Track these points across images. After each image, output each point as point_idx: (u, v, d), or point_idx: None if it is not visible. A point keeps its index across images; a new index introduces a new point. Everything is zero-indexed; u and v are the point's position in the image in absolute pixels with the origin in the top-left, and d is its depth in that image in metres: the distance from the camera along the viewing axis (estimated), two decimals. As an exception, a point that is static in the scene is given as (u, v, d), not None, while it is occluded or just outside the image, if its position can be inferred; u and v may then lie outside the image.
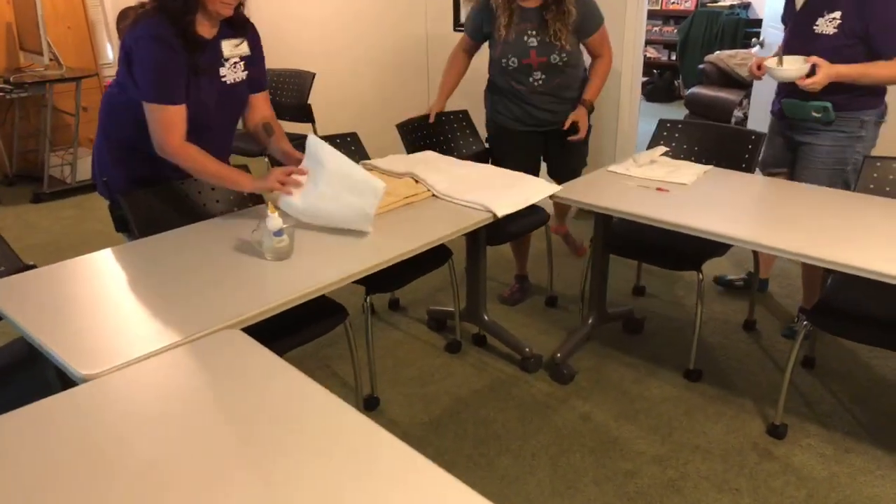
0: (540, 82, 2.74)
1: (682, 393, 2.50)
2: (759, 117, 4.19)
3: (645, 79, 7.47)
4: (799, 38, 2.42)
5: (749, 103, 4.61)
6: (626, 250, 2.67)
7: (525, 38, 2.67)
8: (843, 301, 2.19)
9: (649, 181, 2.40)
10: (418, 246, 1.95)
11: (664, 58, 7.60)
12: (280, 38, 5.65)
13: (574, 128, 2.78)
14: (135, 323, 1.51)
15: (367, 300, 2.35)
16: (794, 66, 2.32)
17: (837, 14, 2.30)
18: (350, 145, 2.73)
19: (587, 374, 2.63)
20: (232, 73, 2.13)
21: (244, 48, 2.14)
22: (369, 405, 2.45)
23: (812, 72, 2.27)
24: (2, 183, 5.01)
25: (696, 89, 5.62)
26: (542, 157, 3.00)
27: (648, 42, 7.57)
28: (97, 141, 2.19)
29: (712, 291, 3.23)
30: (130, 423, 1.18)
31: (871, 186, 2.32)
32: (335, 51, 5.30)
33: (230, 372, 1.33)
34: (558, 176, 2.87)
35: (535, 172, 2.87)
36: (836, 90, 2.30)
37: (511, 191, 2.28)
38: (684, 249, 2.52)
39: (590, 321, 2.73)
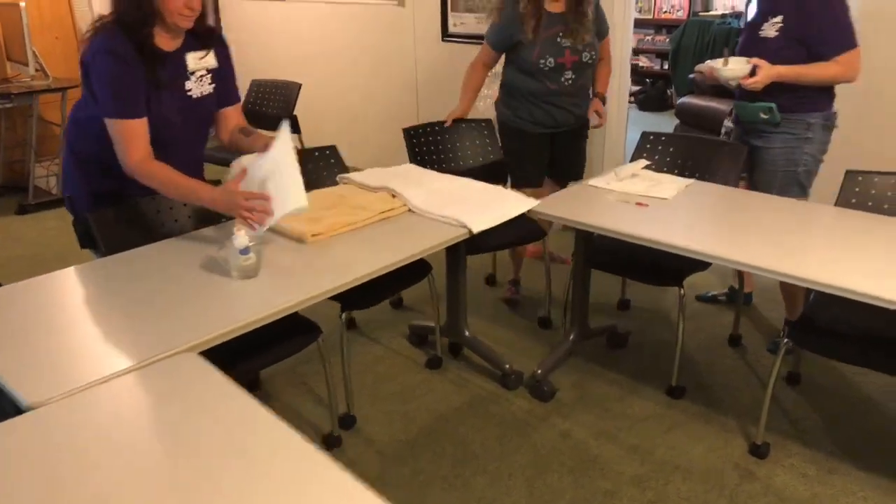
0: (570, 81, 2.88)
1: (664, 411, 2.46)
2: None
3: (637, 88, 7.48)
4: (749, 42, 2.55)
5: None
6: (608, 265, 2.63)
7: (558, 39, 2.82)
8: (825, 317, 2.15)
9: (629, 195, 2.37)
10: (391, 263, 1.91)
11: (657, 67, 7.59)
12: (266, 49, 5.64)
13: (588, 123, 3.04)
14: (90, 346, 1.48)
15: (342, 317, 2.31)
16: (737, 67, 2.44)
17: (780, 18, 2.41)
18: (329, 158, 2.69)
19: (569, 390, 2.58)
20: (198, 87, 2.09)
21: (210, 60, 2.10)
22: (345, 423, 2.41)
23: (754, 73, 2.39)
24: None
25: (686, 99, 5.58)
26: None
27: (641, 51, 7.56)
28: (64, 156, 2.15)
29: (698, 306, 3.19)
30: (69, 455, 1.14)
31: (853, 201, 2.29)
32: (322, 61, 5.28)
33: (180, 399, 1.29)
34: (567, 178, 3.09)
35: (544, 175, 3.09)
36: (780, 92, 2.41)
37: (489, 206, 2.25)
38: (666, 264, 2.47)
39: (571, 337, 2.69)
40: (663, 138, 2.81)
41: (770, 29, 2.44)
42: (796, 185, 2.53)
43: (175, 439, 1.18)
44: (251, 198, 1.86)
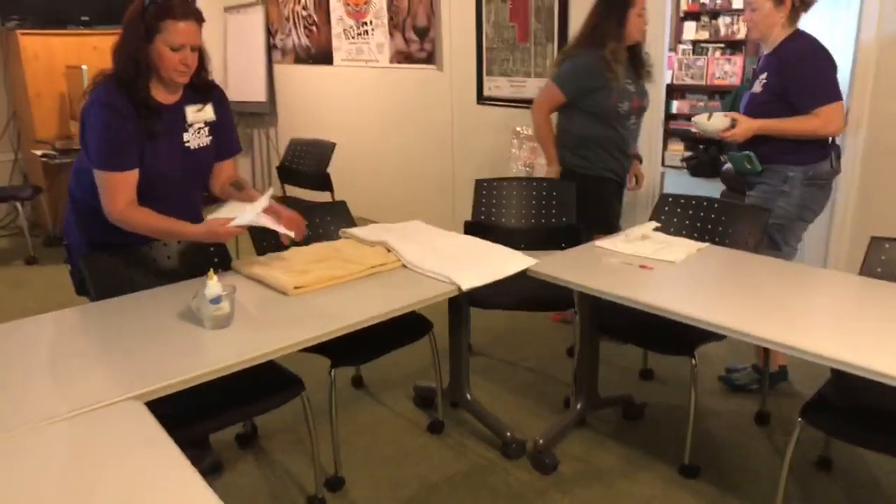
0: (633, 126, 3.01)
1: (673, 491, 2.27)
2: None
3: (689, 153, 7.31)
4: (746, 99, 2.66)
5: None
6: (616, 330, 2.50)
7: (627, 84, 2.93)
8: (845, 396, 1.96)
9: (634, 258, 2.26)
10: (370, 317, 1.86)
11: (710, 132, 7.42)
12: (309, 110, 5.83)
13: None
14: (35, 391, 1.46)
15: (331, 373, 2.25)
16: (717, 121, 2.58)
17: (764, 75, 2.54)
18: (337, 212, 2.69)
19: (573, 463, 2.42)
20: (195, 139, 2.14)
21: (208, 113, 2.15)
22: (333, 486, 2.31)
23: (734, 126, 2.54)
24: (44, 243, 5.22)
25: (729, 165, 5.44)
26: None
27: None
28: (67, 205, 2.22)
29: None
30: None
31: (879, 270, 2.11)
32: (362, 121, 5.41)
33: (101, 450, 1.25)
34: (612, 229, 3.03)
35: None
36: (762, 142, 2.52)
37: (483, 263, 2.18)
38: (676, 332, 2.32)
39: (578, 406, 2.54)
40: (682, 200, 2.70)
41: (757, 85, 2.56)
42: (766, 238, 2.52)
43: (76, 489, 1.14)
44: (226, 222, 1.96)
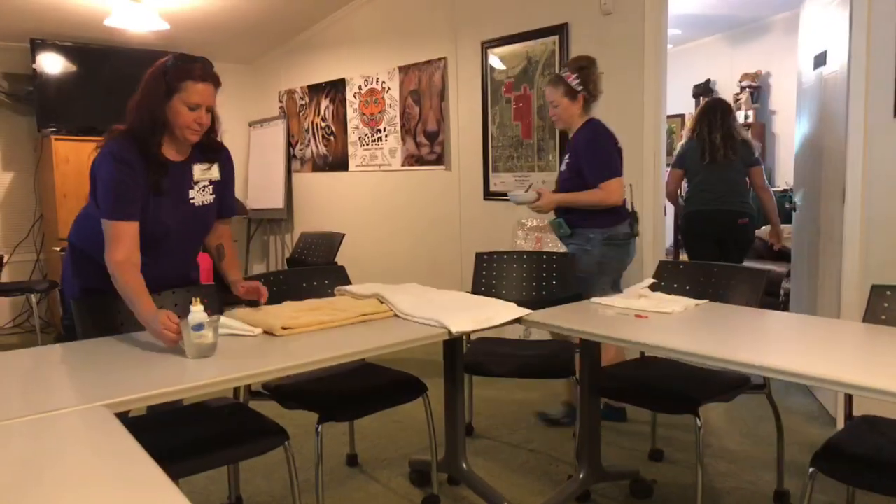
0: None
1: (684, 565, 2.08)
2: (799, 293, 3.94)
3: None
4: (559, 175, 3.19)
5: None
6: (617, 392, 2.41)
7: None
8: (860, 442, 1.83)
9: (630, 310, 2.22)
10: (348, 353, 1.82)
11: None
12: (323, 206, 6.02)
13: None
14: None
15: (319, 429, 2.16)
16: (527, 195, 3.05)
17: (568, 156, 3.07)
18: (335, 274, 2.70)
19: (575, 538, 2.25)
20: (200, 196, 2.19)
21: (214, 173, 2.22)
22: (316, 555, 2.16)
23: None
24: (55, 340, 5.25)
25: (746, 263, 5.42)
26: None
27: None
28: (65, 254, 2.26)
29: (747, 445, 2.81)
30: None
31: (883, 317, 2.04)
32: (372, 217, 5.55)
33: (70, 449, 1.21)
34: None
35: None
36: (569, 211, 3.02)
37: (475, 311, 2.15)
38: (679, 391, 2.24)
39: (581, 476, 2.40)
40: (681, 266, 2.68)
41: (563, 164, 3.11)
42: (583, 285, 2.92)
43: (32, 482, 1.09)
44: (168, 323, 1.79)
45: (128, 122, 2.08)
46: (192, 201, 2.18)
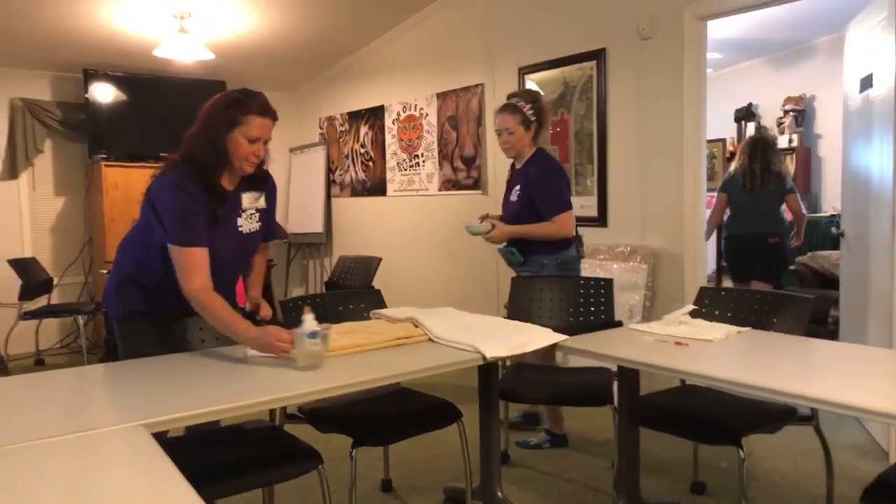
0: None
1: None
2: (848, 321, 3.82)
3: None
4: (505, 205, 3.25)
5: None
6: (656, 422, 2.34)
7: None
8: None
9: (669, 337, 2.17)
10: (379, 377, 1.82)
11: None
12: (356, 235, 6.08)
13: None
14: (44, 413, 1.46)
15: (353, 453, 2.16)
16: (481, 226, 3.15)
17: (518, 187, 3.13)
18: (371, 297, 2.72)
19: (613, 571, 2.19)
20: (248, 224, 2.24)
21: (262, 202, 2.28)
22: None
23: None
24: (99, 361, 5.37)
25: (790, 290, 5.28)
26: None
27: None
28: (109, 277, 2.32)
29: (788, 483, 2.70)
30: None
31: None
32: (410, 241, 5.57)
33: (106, 468, 1.22)
34: None
35: None
36: (520, 240, 3.11)
37: (511, 337, 2.13)
38: (721, 422, 2.18)
39: (619, 506, 2.34)
40: (722, 293, 2.62)
41: (514, 195, 3.16)
42: None
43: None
44: (280, 335, 1.88)
45: (185, 152, 2.11)
46: (240, 229, 2.22)
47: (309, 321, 1.76)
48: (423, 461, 3.10)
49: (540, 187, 3.07)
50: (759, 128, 6.91)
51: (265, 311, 2.35)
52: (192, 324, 2.25)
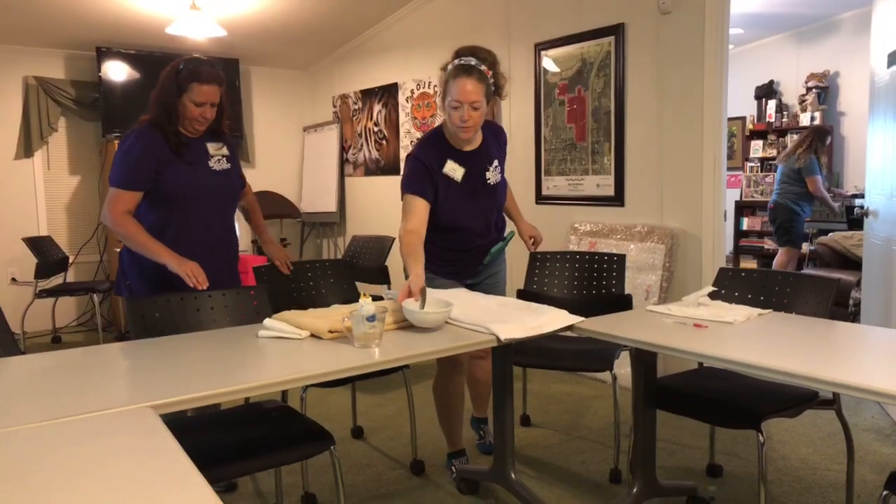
0: None
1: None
2: (870, 303, 3.74)
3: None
4: (475, 196, 2.58)
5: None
6: (673, 405, 2.30)
7: None
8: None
9: (688, 318, 2.12)
10: (392, 359, 1.80)
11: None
12: (369, 214, 6.04)
13: None
14: (55, 394, 1.45)
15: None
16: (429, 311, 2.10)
17: (496, 162, 2.63)
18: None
19: (628, 555, 2.16)
20: (217, 165, 2.59)
21: (224, 150, 2.62)
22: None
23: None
24: (116, 339, 5.41)
25: (808, 271, 5.19)
26: None
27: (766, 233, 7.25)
28: (121, 253, 2.52)
29: (808, 467, 2.66)
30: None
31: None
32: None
33: (113, 450, 1.21)
34: None
35: None
36: (500, 227, 2.74)
37: (526, 318, 2.09)
38: (740, 405, 2.13)
39: (634, 490, 2.31)
40: (743, 274, 2.56)
41: (494, 175, 2.61)
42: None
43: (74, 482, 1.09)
44: (199, 275, 2.29)
45: (150, 113, 2.45)
46: (213, 167, 2.56)
47: (367, 305, 1.81)
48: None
49: (503, 151, 2.70)
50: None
51: (287, 266, 2.77)
52: (203, 301, 2.24)
